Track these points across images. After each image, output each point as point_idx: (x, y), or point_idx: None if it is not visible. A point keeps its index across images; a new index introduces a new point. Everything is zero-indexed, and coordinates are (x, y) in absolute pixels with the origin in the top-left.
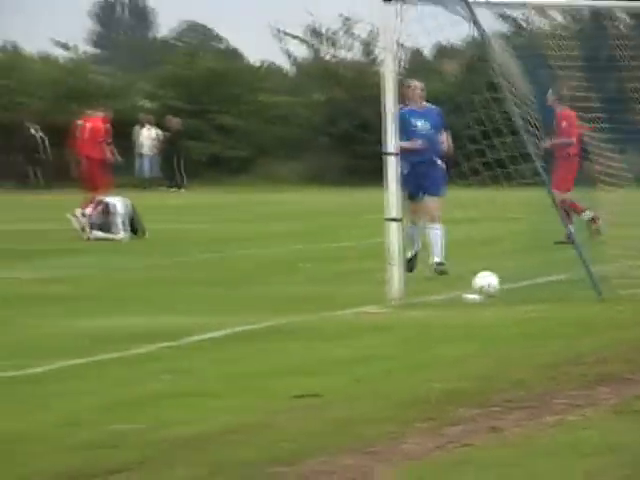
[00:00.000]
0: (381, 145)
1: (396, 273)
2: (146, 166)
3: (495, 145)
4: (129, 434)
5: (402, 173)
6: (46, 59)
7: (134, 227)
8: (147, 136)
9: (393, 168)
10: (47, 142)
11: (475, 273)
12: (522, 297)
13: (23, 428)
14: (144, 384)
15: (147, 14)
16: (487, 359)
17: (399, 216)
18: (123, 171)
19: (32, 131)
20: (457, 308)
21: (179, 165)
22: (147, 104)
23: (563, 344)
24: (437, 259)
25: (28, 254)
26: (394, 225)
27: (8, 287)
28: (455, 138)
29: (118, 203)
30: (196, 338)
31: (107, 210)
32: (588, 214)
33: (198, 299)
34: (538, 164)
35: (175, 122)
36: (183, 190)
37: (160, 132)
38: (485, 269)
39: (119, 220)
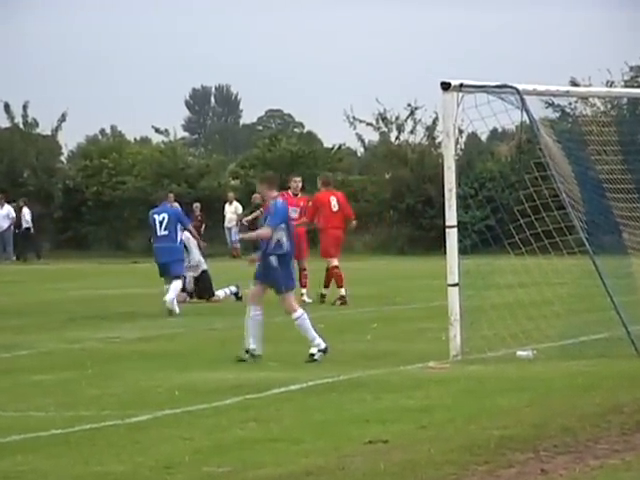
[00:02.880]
0: (442, 218)
1: (456, 332)
2: (233, 237)
3: (544, 218)
4: (218, 476)
5: (272, 266)
6: (145, 143)
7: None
8: (230, 211)
9: (453, 239)
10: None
11: (525, 332)
12: (568, 353)
13: (123, 470)
14: (232, 431)
15: (234, 103)
16: (538, 409)
17: (459, 282)
18: (217, 241)
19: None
20: (511, 363)
21: None
22: (231, 182)
23: (605, 395)
24: (322, 345)
25: (126, 316)
26: (455, 290)
27: (114, 346)
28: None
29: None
30: (278, 390)
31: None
32: (342, 291)
33: (279, 355)
34: (582, 235)
35: (256, 198)
36: None
37: (240, 206)
38: (535, 329)
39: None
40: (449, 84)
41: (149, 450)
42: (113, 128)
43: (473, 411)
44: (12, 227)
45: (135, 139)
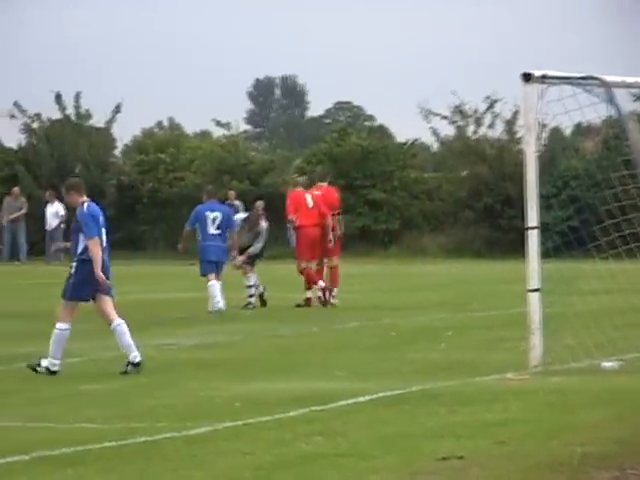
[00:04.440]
0: (522, 219)
1: (537, 341)
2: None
3: (631, 220)
4: None
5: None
6: (204, 136)
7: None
8: None
9: (534, 241)
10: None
11: (611, 342)
12: None
13: None
14: (296, 445)
15: (300, 94)
16: (624, 424)
17: (540, 287)
18: (281, 242)
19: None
20: (595, 375)
21: None
22: (297, 179)
23: None
24: (137, 358)
25: (183, 322)
26: (535, 295)
27: (170, 353)
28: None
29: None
30: (345, 402)
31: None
32: (322, 284)
33: (347, 365)
34: None
35: None
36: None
37: None
38: (622, 338)
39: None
40: (531, 75)
41: (207, 465)
42: (171, 120)
43: (554, 426)
44: (62, 225)
45: (194, 132)
